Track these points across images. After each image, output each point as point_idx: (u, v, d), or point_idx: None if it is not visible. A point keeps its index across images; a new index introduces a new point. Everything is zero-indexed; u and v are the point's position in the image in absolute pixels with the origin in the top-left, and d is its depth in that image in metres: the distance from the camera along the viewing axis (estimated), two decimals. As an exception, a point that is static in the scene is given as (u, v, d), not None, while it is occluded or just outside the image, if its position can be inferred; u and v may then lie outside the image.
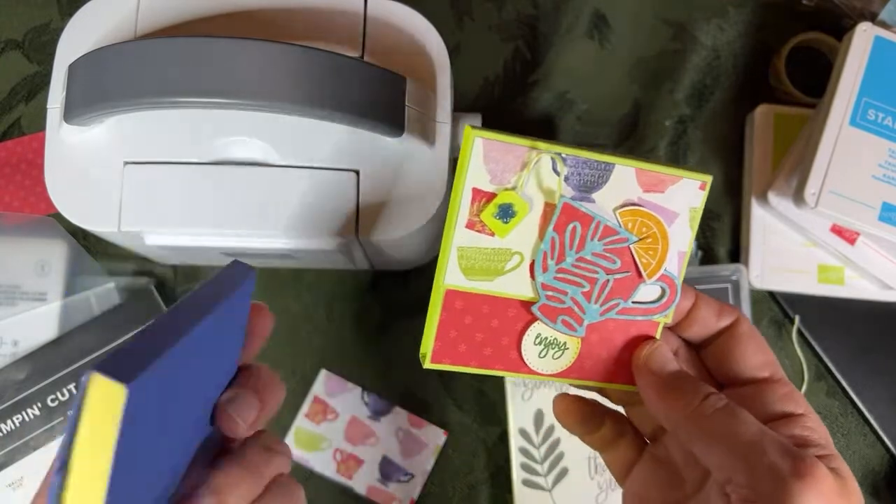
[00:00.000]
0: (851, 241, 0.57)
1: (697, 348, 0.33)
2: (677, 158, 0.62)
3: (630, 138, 0.62)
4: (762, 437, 0.27)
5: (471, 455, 0.58)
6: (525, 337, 0.30)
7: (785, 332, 0.60)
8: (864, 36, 0.54)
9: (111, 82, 0.37)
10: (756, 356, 0.31)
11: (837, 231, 0.56)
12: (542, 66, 0.63)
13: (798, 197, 0.53)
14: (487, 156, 0.28)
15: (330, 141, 0.43)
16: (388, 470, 0.57)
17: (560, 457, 0.55)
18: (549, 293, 0.30)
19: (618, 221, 0.29)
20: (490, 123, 0.50)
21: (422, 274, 0.59)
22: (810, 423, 0.29)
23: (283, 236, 0.44)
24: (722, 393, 0.30)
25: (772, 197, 0.57)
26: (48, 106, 0.43)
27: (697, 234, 0.60)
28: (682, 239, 0.30)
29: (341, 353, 0.58)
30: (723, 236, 0.61)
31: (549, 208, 0.29)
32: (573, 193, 0.29)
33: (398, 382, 0.58)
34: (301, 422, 0.57)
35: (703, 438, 0.28)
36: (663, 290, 0.31)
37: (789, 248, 0.59)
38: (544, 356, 0.30)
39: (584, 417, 0.34)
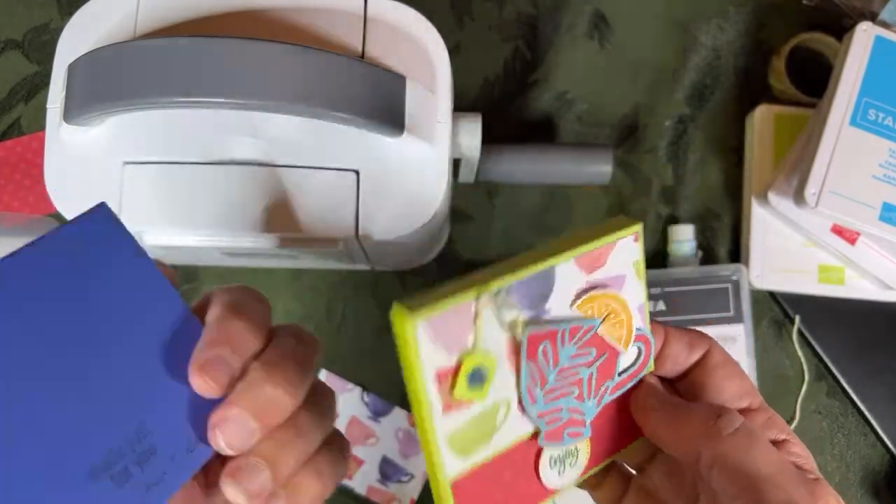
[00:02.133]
0: (852, 241, 0.57)
1: (672, 382, 0.32)
2: (677, 158, 0.62)
3: (630, 138, 0.62)
4: (781, 467, 0.26)
5: (471, 455, 0.58)
6: (541, 468, 0.28)
7: (785, 332, 0.60)
8: (864, 36, 0.54)
9: (111, 82, 0.37)
10: (733, 386, 0.30)
11: (838, 231, 0.56)
12: (542, 65, 0.63)
13: (798, 197, 0.53)
14: (435, 332, 0.24)
15: (330, 141, 0.43)
16: (388, 470, 0.57)
17: (560, 457, 0.55)
18: (547, 418, 0.28)
19: (579, 316, 0.28)
20: (490, 123, 0.50)
21: (421, 274, 0.59)
22: (796, 448, 0.28)
23: (282, 236, 0.44)
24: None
25: (772, 197, 0.57)
26: (48, 106, 0.43)
27: (698, 234, 0.60)
28: (637, 294, 0.29)
29: (341, 353, 0.58)
30: (723, 236, 0.61)
31: (513, 343, 0.26)
32: (529, 314, 0.26)
33: (398, 382, 0.58)
34: (301, 422, 0.57)
35: (722, 464, 0.26)
36: (640, 349, 0.30)
37: (789, 248, 0.59)
38: (563, 471, 0.29)
39: None
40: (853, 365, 0.58)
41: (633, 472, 0.33)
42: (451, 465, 0.25)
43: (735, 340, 0.56)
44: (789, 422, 0.59)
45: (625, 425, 0.30)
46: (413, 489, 0.56)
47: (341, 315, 0.59)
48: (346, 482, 0.56)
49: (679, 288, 0.57)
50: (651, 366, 0.30)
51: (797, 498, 0.25)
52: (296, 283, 0.59)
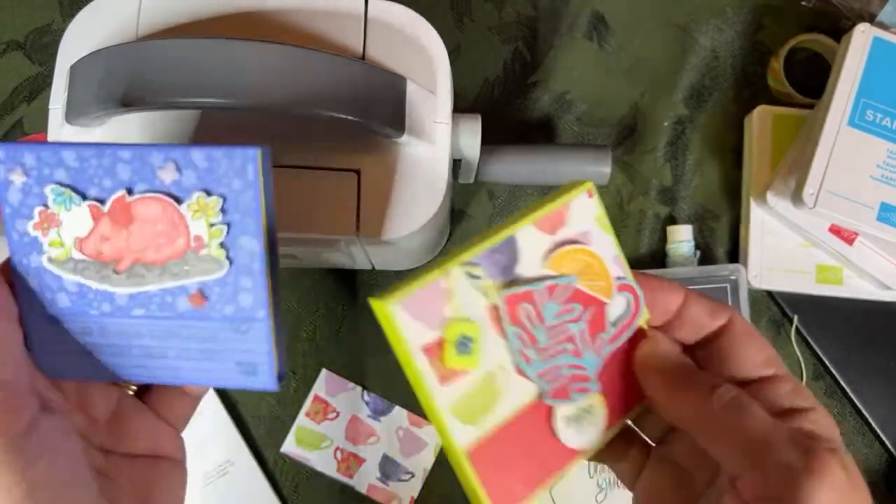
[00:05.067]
0: (850, 241, 0.57)
1: (693, 350, 0.32)
2: (676, 159, 0.62)
3: (629, 139, 0.62)
4: (773, 430, 0.26)
5: (470, 454, 0.58)
6: (556, 428, 0.29)
7: (783, 332, 0.60)
8: (862, 37, 0.54)
9: (112, 83, 0.38)
10: (759, 354, 0.30)
11: (836, 231, 0.57)
12: (542, 66, 0.63)
13: (796, 197, 0.53)
14: (411, 312, 0.26)
15: (330, 141, 0.43)
16: (388, 469, 0.57)
17: (559, 456, 0.55)
18: (548, 377, 0.29)
19: (552, 274, 0.29)
20: (490, 124, 0.50)
21: (422, 274, 0.59)
22: (817, 416, 0.28)
23: (283, 236, 0.44)
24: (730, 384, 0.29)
25: (770, 197, 0.57)
26: (50, 107, 0.43)
27: (696, 235, 0.61)
28: (607, 246, 0.30)
29: (341, 353, 0.58)
30: (722, 236, 0.62)
31: (494, 311, 0.28)
32: (501, 281, 0.28)
33: (398, 382, 0.58)
34: (302, 421, 0.57)
35: (713, 434, 0.27)
36: (627, 299, 0.30)
37: (788, 249, 0.59)
38: (582, 430, 0.29)
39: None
40: (851, 364, 0.59)
41: (653, 443, 0.33)
42: (461, 435, 0.27)
43: (733, 340, 0.57)
44: (788, 421, 0.59)
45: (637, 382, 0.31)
46: (413, 488, 0.57)
47: (341, 315, 0.59)
48: (347, 481, 0.56)
49: (678, 288, 0.57)
50: (645, 314, 0.31)
51: (791, 461, 0.25)
52: (296, 283, 0.59)
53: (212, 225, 0.30)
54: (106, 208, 0.30)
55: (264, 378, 0.32)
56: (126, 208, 0.30)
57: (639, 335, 0.31)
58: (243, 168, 0.30)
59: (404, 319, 0.26)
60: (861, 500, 0.26)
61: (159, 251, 0.30)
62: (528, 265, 0.29)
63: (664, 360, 0.30)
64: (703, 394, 0.28)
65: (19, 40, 0.62)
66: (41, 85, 0.61)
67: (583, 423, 0.29)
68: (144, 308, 0.31)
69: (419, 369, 0.26)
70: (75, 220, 0.30)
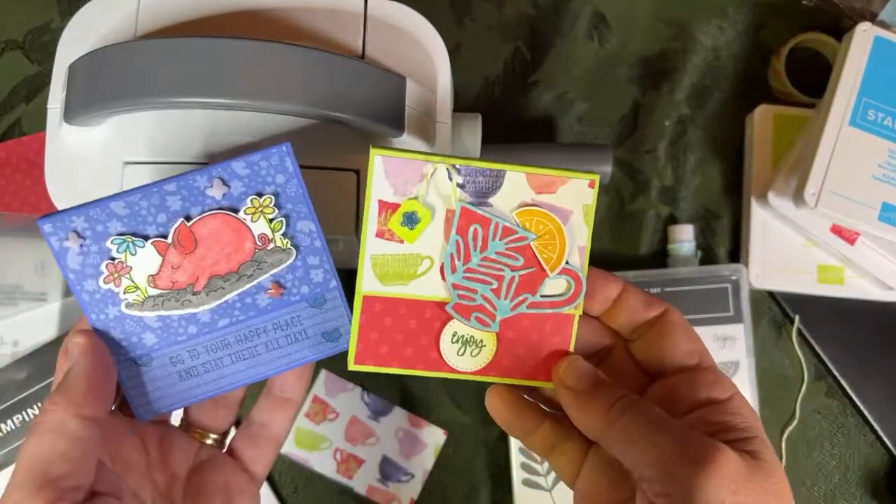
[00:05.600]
0: (851, 241, 0.57)
1: (630, 345, 0.34)
2: (677, 158, 0.62)
3: (630, 138, 0.62)
4: (667, 431, 0.27)
5: (471, 455, 0.58)
6: (443, 336, 0.32)
7: (785, 332, 0.60)
8: (863, 36, 0.54)
9: (111, 82, 0.37)
10: (684, 345, 0.31)
11: (837, 231, 0.57)
12: (542, 66, 0.63)
13: (798, 197, 0.53)
14: (388, 171, 0.31)
15: (330, 141, 0.43)
16: (388, 470, 0.57)
17: (560, 457, 0.55)
18: (461, 292, 0.32)
19: (515, 221, 0.32)
20: (490, 123, 0.50)
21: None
22: (734, 407, 0.29)
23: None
24: (655, 385, 0.31)
25: (772, 197, 0.57)
26: (48, 106, 0.43)
27: (698, 234, 0.60)
28: (579, 234, 0.32)
29: (341, 354, 0.58)
30: (723, 236, 0.61)
31: (450, 214, 0.31)
32: (471, 199, 0.31)
33: (398, 382, 0.58)
34: (301, 422, 0.57)
35: (617, 442, 0.28)
36: (569, 283, 0.32)
37: (789, 248, 0.59)
38: (463, 354, 0.32)
39: (519, 414, 0.34)
40: (852, 365, 0.59)
41: (592, 441, 0.34)
42: (368, 282, 0.32)
43: (734, 340, 0.57)
44: (789, 421, 0.59)
45: (538, 360, 0.33)
46: (413, 489, 0.56)
47: (341, 315, 0.59)
48: (347, 482, 0.56)
49: (679, 288, 0.57)
50: (579, 307, 0.32)
51: (682, 456, 0.26)
52: (296, 283, 0.59)
53: (271, 220, 0.32)
54: (170, 240, 0.32)
55: (348, 338, 0.34)
56: (189, 234, 0.32)
57: (563, 332, 0.33)
58: (282, 163, 0.32)
59: (379, 172, 0.31)
60: (768, 486, 0.27)
61: (230, 260, 0.32)
62: (500, 202, 0.32)
63: (579, 376, 0.31)
64: (608, 404, 0.29)
65: (18, 39, 0.61)
66: (40, 84, 0.61)
67: (465, 348, 0.32)
68: (228, 317, 0.33)
69: (367, 216, 0.31)
70: (143, 260, 0.32)
